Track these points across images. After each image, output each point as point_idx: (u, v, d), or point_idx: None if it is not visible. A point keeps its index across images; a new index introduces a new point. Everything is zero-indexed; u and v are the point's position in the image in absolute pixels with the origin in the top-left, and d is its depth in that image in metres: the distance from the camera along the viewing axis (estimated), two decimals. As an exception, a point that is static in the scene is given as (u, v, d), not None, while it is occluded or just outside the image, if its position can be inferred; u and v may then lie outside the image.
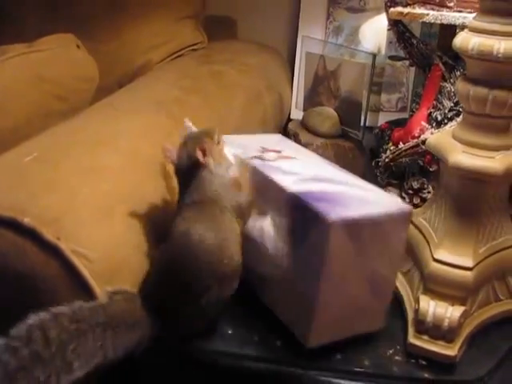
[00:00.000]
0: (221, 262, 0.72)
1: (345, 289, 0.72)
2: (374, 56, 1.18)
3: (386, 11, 1.00)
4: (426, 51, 1.01)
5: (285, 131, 1.40)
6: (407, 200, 1.00)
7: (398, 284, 0.85)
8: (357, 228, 0.69)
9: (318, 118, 1.28)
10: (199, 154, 0.76)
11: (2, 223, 0.70)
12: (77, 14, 1.44)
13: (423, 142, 0.94)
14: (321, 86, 1.31)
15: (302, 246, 0.72)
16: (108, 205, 0.77)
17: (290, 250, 0.74)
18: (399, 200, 0.76)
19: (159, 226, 0.81)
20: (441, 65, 0.96)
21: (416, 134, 0.95)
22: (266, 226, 0.77)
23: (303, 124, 1.33)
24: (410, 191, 1.02)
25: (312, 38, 1.39)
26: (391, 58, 1.30)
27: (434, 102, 0.96)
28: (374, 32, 1.56)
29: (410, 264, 0.84)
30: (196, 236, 0.72)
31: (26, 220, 0.70)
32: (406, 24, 1.04)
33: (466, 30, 0.72)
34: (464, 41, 0.71)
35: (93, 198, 0.77)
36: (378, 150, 1.09)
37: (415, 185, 1.01)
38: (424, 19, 0.93)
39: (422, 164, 0.98)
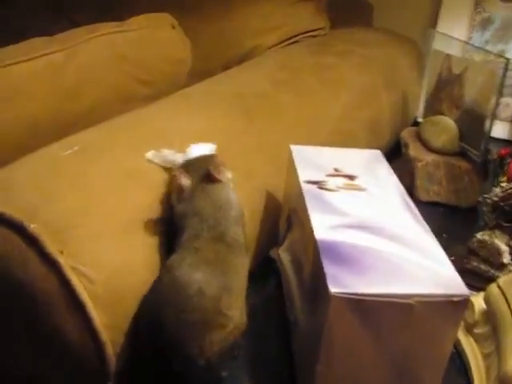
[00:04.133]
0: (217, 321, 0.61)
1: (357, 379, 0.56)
2: (508, 61, 0.94)
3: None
4: None
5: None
6: (517, 253, 0.79)
7: (473, 367, 0.66)
8: (371, 308, 0.52)
9: (434, 129, 1.08)
10: (215, 171, 0.68)
11: (11, 225, 0.64)
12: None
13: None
14: (443, 91, 1.10)
15: (311, 308, 0.57)
16: (129, 220, 0.68)
17: (304, 302, 0.59)
18: (458, 280, 0.55)
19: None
20: None
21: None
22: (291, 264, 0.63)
23: (418, 134, 1.13)
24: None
25: (440, 33, 1.17)
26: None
27: None
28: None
29: (492, 345, 0.65)
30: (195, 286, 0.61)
31: (33, 226, 0.63)
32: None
33: None
34: None
35: (115, 210, 0.68)
36: (492, 180, 0.88)
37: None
38: None
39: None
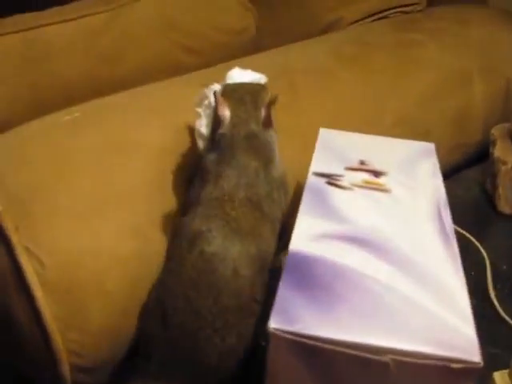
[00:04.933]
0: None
1: None
2: None
3: None
4: None
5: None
6: None
7: None
8: (327, 359, 0.37)
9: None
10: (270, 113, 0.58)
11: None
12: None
13: None
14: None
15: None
16: (104, 200, 0.59)
17: None
18: (472, 341, 0.37)
19: (158, 239, 0.60)
20: None
21: None
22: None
23: (510, 131, 0.92)
24: None
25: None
26: None
27: None
28: None
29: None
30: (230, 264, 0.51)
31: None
32: None
33: None
34: None
35: (90, 187, 0.59)
36: None
37: None
38: None
39: None
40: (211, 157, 0.57)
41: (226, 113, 0.57)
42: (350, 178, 0.56)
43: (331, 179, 0.55)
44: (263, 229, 0.54)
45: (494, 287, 0.71)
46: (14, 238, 0.54)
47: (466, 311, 0.40)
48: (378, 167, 0.58)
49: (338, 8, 1.16)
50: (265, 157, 0.57)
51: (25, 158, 0.59)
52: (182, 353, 0.50)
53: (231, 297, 0.50)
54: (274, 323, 0.37)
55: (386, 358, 0.36)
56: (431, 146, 0.65)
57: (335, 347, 0.37)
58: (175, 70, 0.92)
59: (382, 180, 0.56)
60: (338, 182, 0.54)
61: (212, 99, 0.60)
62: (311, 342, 0.37)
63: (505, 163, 0.86)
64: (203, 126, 0.61)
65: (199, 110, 0.62)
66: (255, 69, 0.79)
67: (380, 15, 1.17)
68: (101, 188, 0.59)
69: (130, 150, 0.63)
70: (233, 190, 0.54)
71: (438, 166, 0.61)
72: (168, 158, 0.65)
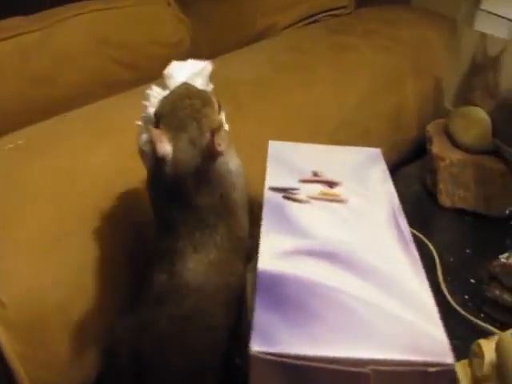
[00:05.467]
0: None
1: None
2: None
3: None
4: None
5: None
6: None
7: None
8: (310, 376, 0.38)
9: (463, 122, 0.91)
10: (215, 140, 0.48)
11: None
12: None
13: None
14: (477, 77, 0.93)
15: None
16: (62, 230, 0.57)
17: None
18: (443, 342, 0.39)
19: (123, 269, 0.59)
20: None
21: None
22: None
23: (444, 128, 0.97)
24: None
25: (486, 12, 0.99)
26: None
27: None
28: None
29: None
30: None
31: None
32: None
33: None
34: None
35: (46, 217, 0.57)
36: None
37: None
38: None
39: None
40: (159, 197, 0.52)
41: (166, 149, 0.48)
42: (305, 190, 0.56)
43: (287, 193, 0.56)
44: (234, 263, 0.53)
45: (445, 280, 0.75)
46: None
47: (433, 314, 0.42)
48: (330, 177, 0.59)
49: (271, 14, 1.18)
50: (221, 194, 0.51)
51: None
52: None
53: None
54: (255, 346, 0.38)
55: (367, 370, 0.38)
56: (378, 152, 0.67)
57: (317, 364, 0.37)
58: (113, 86, 0.90)
59: (336, 190, 0.57)
60: (295, 196, 0.55)
61: (150, 110, 0.53)
62: (294, 362, 0.37)
63: (444, 159, 0.89)
64: (146, 143, 0.53)
65: (139, 123, 0.55)
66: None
67: (312, 19, 1.19)
68: (57, 217, 0.57)
69: (81, 176, 0.62)
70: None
71: (387, 171, 0.63)
72: (119, 181, 0.64)
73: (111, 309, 0.56)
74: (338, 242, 0.49)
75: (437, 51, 1.18)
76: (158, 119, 0.50)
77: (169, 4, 0.99)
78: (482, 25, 0.96)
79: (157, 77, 0.86)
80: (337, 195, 0.56)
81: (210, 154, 0.49)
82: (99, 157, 0.64)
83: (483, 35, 0.91)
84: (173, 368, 0.49)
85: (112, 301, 0.57)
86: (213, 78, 0.81)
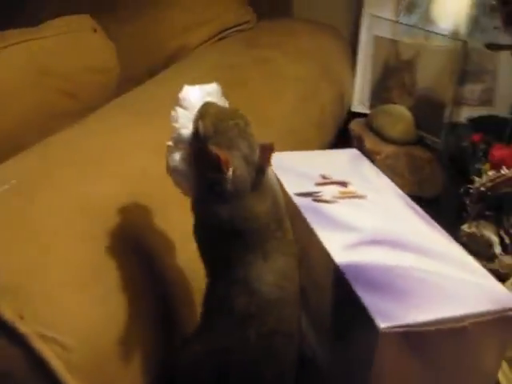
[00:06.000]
0: None
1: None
2: (465, 44, 0.91)
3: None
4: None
5: (344, 132, 1.15)
6: (507, 242, 0.75)
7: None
8: (422, 338, 0.45)
9: (388, 118, 1.03)
10: (267, 156, 0.52)
11: None
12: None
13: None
14: (392, 78, 1.05)
15: (345, 344, 0.50)
16: (94, 264, 0.56)
17: (323, 339, 0.51)
18: (506, 291, 0.48)
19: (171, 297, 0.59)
20: None
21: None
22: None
23: (369, 125, 1.07)
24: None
25: (382, 18, 1.12)
26: (490, 46, 0.99)
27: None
28: (452, 8, 1.27)
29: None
30: None
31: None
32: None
33: None
34: None
35: (72, 256, 0.55)
36: (465, 167, 0.84)
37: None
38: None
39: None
40: (223, 211, 0.52)
41: (235, 165, 0.50)
42: (326, 192, 0.62)
43: (314, 197, 0.60)
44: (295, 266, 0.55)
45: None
46: (23, 328, 0.49)
47: (485, 273, 0.50)
48: (338, 178, 0.65)
49: (181, 35, 1.20)
50: (273, 202, 0.54)
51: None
52: None
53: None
54: (382, 323, 0.42)
55: (466, 323, 0.44)
56: (354, 151, 0.74)
57: (430, 327, 0.43)
58: (57, 117, 0.88)
59: (351, 188, 0.63)
60: (322, 198, 0.60)
61: (183, 131, 0.54)
62: (414, 329, 0.43)
63: (379, 153, 1.00)
64: (182, 161, 0.54)
65: (170, 143, 0.55)
66: (159, 105, 0.81)
67: (220, 36, 1.24)
68: (88, 252, 0.56)
69: (90, 204, 0.60)
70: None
71: (373, 166, 0.70)
72: (131, 206, 0.63)
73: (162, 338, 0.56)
74: (383, 230, 0.55)
75: (334, 58, 1.29)
76: (203, 140, 0.52)
77: (95, 30, 0.98)
78: (373, 27, 1.09)
79: (97, 105, 0.86)
80: (354, 192, 0.62)
81: (261, 168, 0.52)
82: (105, 187, 0.63)
83: (394, 41, 1.03)
84: (265, 381, 0.51)
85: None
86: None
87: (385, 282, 0.47)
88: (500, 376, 0.60)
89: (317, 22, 1.41)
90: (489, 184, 0.72)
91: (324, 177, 0.65)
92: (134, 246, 0.60)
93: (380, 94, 1.10)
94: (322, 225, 0.55)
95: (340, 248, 0.51)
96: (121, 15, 1.18)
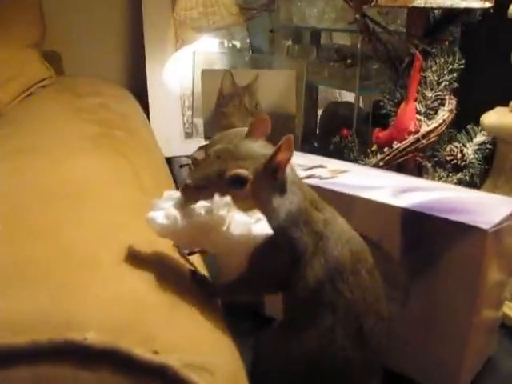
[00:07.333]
0: None
1: (488, 306, 0.59)
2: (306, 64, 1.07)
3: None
4: (396, 43, 0.93)
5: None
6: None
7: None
8: (503, 233, 0.57)
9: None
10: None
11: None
12: None
13: (424, 137, 0.85)
14: (229, 105, 1.13)
15: (432, 269, 0.57)
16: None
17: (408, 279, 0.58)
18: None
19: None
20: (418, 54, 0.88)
21: (413, 129, 0.86)
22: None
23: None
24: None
25: (206, 53, 1.20)
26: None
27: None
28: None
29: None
30: None
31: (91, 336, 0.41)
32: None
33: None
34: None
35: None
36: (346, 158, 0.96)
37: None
38: (414, 4, 0.85)
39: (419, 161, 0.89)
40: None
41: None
42: (319, 173, 0.67)
43: (316, 177, 0.65)
44: None
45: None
46: (167, 361, 0.42)
47: (478, 193, 0.65)
48: (316, 162, 0.71)
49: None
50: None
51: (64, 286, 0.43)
52: None
53: None
54: (485, 226, 0.53)
55: (487, 226, 0.55)
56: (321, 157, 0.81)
57: (504, 224, 0.57)
58: None
59: (332, 167, 0.70)
60: (323, 176, 0.66)
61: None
62: (499, 227, 0.55)
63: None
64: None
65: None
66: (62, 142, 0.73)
67: (27, 92, 1.14)
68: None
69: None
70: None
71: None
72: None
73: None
74: (400, 184, 0.64)
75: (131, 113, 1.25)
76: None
77: None
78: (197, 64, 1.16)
79: None
80: (339, 169, 0.69)
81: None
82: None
83: (228, 71, 1.12)
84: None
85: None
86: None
87: (446, 208, 0.57)
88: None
89: (101, 80, 1.37)
90: (387, 158, 0.86)
91: (304, 166, 0.70)
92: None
93: (217, 122, 1.16)
94: (354, 190, 0.61)
95: (390, 199, 0.58)
96: None
